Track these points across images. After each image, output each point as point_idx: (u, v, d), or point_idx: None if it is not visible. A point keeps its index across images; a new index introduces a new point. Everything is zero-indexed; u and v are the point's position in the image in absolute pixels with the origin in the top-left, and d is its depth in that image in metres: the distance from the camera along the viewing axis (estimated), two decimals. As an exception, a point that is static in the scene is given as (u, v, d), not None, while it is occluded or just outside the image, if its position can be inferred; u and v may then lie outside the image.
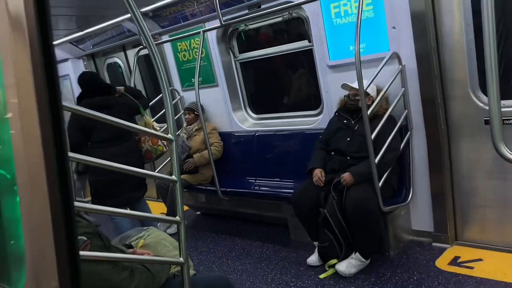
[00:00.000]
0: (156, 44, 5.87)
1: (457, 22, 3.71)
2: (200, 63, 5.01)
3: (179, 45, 5.96)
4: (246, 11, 5.05)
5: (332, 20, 4.37)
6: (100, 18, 5.99)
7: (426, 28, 3.77)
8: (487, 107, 3.70)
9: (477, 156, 3.89)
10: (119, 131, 4.00)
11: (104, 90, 4.27)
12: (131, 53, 6.87)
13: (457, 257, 3.84)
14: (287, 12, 4.82)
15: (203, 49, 5.56)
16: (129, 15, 5.55)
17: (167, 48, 6.14)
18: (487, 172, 3.88)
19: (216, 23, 4.85)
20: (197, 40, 5.65)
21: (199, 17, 5.43)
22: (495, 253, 3.78)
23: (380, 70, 3.77)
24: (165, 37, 6.07)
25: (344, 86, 4.14)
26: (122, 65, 7.24)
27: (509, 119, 3.53)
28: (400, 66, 3.98)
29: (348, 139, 4.02)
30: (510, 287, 3.18)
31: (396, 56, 3.97)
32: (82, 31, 6.56)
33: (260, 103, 5.87)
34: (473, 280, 3.38)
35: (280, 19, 5.03)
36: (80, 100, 4.19)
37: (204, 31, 4.85)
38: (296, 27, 5.12)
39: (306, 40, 4.90)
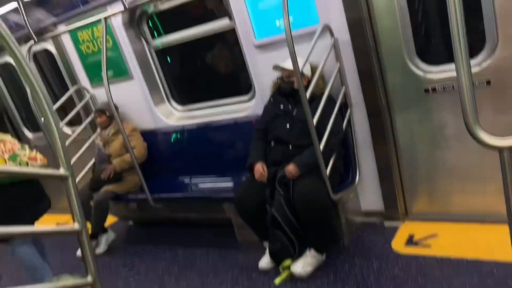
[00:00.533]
0: (55, 36, 5.00)
1: (387, -14, 3.40)
2: (106, 54, 4.26)
3: (80, 35, 5.13)
4: (154, -10, 4.38)
5: (253, -6, 3.87)
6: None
7: (356, -4, 3.42)
8: (426, 75, 3.49)
9: (420, 127, 3.70)
10: None
11: None
12: (24, 50, 5.85)
13: (411, 236, 3.67)
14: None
15: (109, 38, 4.83)
16: (14, 6, 4.64)
17: (66, 40, 5.26)
18: (430, 142, 3.71)
19: (119, 7, 4.14)
20: (100, 28, 4.86)
21: (99, 1, 4.64)
22: (447, 225, 3.67)
23: (314, 46, 3.37)
24: (62, 27, 5.18)
25: (275, 68, 3.71)
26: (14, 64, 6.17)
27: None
28: (333, 39, 3.62)
29: (288, 126, 3.63)
30: (473, 264, 3.04)
31: (327, 29, 3.59)
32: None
33: (184, 93, 5.27)
34: (434, 261, 3.21)
35: (193, -3, 4.43)
36: None
37: (105, 18, 4.10)
38: (215, 4, 4.54)
39: (227, 18, 4.36)
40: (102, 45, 4.22)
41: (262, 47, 4.05)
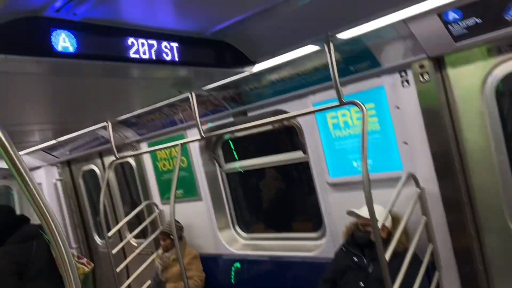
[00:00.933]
0: (134, 155, 5.21)
1: (483, 136, 3.01)
2: (178, 175, 4.23)
3: (158, 153, 5.29)
4: (231, 119, 4.44)
5: (330, 132, 3.71)
6: (75, 128, 5.39)
7: (446, 144, 3.07)
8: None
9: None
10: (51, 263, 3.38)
11: (25, 220, 3.71)
12: (108, 161, 6.20)
13: None
14: (278, 122, 4.20)
15: (184, 158, 4.90)
16: (103, 124, 5.00)
17: (146, 155, 5.47)
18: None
19: (197, 132, 4.21)
20: (177, 149, 4.97)
21: (180, 125, 4.82)
22: None
23: (397, 197, 2.99)
24: (144, 145, 5.43)
25: (350, 214, 3.34)
26: (98, 172, 6.53)
27: None
28: (419, 190, 3.21)
29: (362, 284, 3.12)
30: None
31: (412, 178, 3.22)
32: (56, 139, 5.94)
33: (251, 220, 5.04)
34: None
35: (269, 127, 4.40)
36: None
37: (182, 144, 4.16)
38: (290, 136, 4.46)
39: (301, 151, 4.21)
40: (176, 167, 4.23)
41: (336, 185, 3.76)
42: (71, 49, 2.15)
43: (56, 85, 2.78)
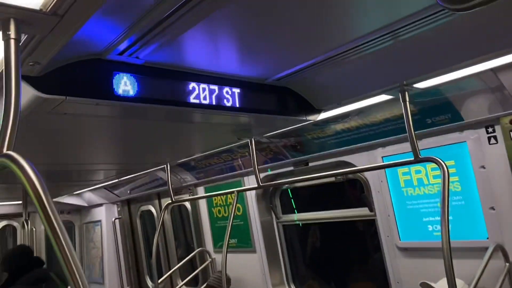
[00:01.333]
0: (190, 200, 5.13)
1: None
2: (232, 224, 4.02)
3: (214, 199, 5.16)
4: (291, 168, 4.22)
5: (402, 189, 3.35)
6: (136, 169, 5.47)
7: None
8: None
9: None
10: None
11: (39, 262, 3.76)
12: (165, 203, 6.18)
13: None
14: (342, 175, 3.90)
15: (239, 206, 4.72)
16: (162, 166, 5.01)
17: (202, 200, 5.36)
18: None
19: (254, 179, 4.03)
20: (233, 196, 4.81)
21: (238, 171, 4.68)
22: None
23: (483, 271, 2.54)
24: (201, 189, 5.34)
25: (424, 286, 2.89)
26: (155, 214, 6.52)
27: None
28: (507, 265, 2.72)
29: None
30: None
31: (499, 249, 2.74)
32: (118, 178, 6.07)
33: (307, 278, 4.64)
34: None
35: (332, 179, 4.11)
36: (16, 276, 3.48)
37: (238, 192, 3.99)
38: (354, 190, 4.13)
39: (367, 208, 3.85)
40: (230, 215, 4.04)
41: (407, 250, 3.33)
42: (131, 93, 2.10)
43: (118, 127, 2.77)
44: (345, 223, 4.17)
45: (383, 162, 3.45)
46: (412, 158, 2.59)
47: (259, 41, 2.18)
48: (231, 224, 3.89)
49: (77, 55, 1.93)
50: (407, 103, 2.63)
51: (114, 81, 2.05)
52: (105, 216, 6.85)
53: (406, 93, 2.64)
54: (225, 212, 5.04)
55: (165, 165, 4.59)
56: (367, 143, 3.46)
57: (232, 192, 4.06)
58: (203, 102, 2.38)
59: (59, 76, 1.89)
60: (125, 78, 2.10)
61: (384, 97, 2.82)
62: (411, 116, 2.62)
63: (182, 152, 4.08)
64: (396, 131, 3.20)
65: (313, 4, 1.82)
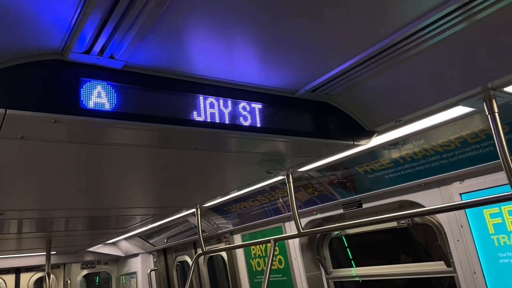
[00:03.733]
0: (223, 250, 4.45)
1: None
2: (268, 279, 3.25)
3: (253, 248, 4.44)
4: (341, 211, 3.45)
5: (491, 237, 2.47)
6: (169, 213, 4.94)
7: None
8: None
9: None
10: None
11: None
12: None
13: None
14: (406, 218, 3.07)
15: (281, 258, 3.96)
16: (193, 210, 4.43)
17: (239, 250, 4.66)
18: None
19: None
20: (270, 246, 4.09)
21: (277, 215, 3.96)
22: None
23: None
24: (237, 237, 4.66)
25: None
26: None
27: None
28: None
29: None
30: None
31: None
32: (152, 223, 5.56)
33: None
34: None
35: (393, 223, 3.27)
36: None
37: (275, 240, 3.26)
38: (425, 238, 3.26)
39: (443, 262, 2.95)
40: (266, 268, 3.30)
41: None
42: (107, 107, 1.55)
43: (120, 156, 2.20)
44: (414, 281, 3.27)
45: (461, 200, 2.62)
46: (509, 192, 1.80)
47: (286, 38, 1.58)
48: (268, 280, 3.15)
49: (24, 52, 1.42)
50: (496, 115, 1.87)
51: (81, 91, 1.52)
52: (141, 267, 6.33)
53: (494, 101, 1.88)
54: (264, 265, 4.28)
55: (195, 209, 4.01)
56: (438, 176, 2.65)
57: (268, 241, 3.34)
58: (211, 120, 1.78)
59: (-4, 82, 1.38)
60: (98, 88, 1.55)
61: (460, 110, 2.06)
62: (503, 135, 1.85)
63: (209, 191, 3.46)
64: (479, 158, 2.39)
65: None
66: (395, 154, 2.65)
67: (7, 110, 1.36)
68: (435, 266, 3.01)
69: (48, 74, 1.46)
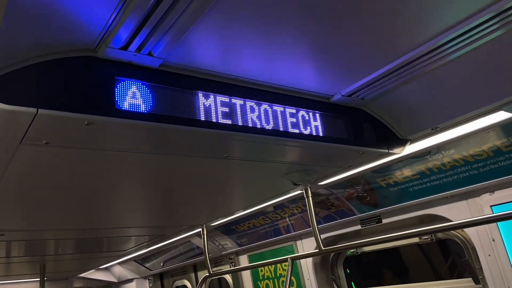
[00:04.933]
0: (232, 272, 4.24)
1: None
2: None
3: (261, 270, 4.25)
4: (358, 227, 3.32)
5: (527, 251, 2.37)
6: (169, 234, 4.71)
7: None
8: None
9: None
10: None
11: None
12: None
13: None
14: (430, 234, 2.95)
15: (293, 279, 3.78)
16: (197, 230, 4.23)
17: (246, 272, 4.45)
18: None
19: (311, 244, 3.16)
20: (284, 266, 3.92)
21: (288, 233, 3.80)
22: None
23: None
24: (244, 258, 4.46)
25: None
26: (191, 289, 5.63)
27: None
28: None
29: None
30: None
31: None
32: (149, 246, 5.30)
33: None
34: None
35: (415, 239, 3.15)
36: None
37: (292, 259, 3.09)
38: (450, 254, 3.14)
39: (471, 279, 2.83)
40: (284, 289, 3.12)
41: None
42: (143, 108, 1.41)
43: (132, 168, 2.03)
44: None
45: (492, 213, 2.52)
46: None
47: (326, 42, 1.50)
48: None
49: (55, 47, 1.28)
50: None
51: (116, 91, 1.38)
52: (135, 293, 6.01)
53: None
54: (274, 287, 4.09)
55: (201, 228, 3.82)
56: (466, 188, 2.56)
57: (285, 260, 3.18)
58: (249, 124, 1.66)
59: (27, 79, 1.24)
60: (133, 88, 1.42)
61: (501, 116, 1.98)
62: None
63: (219, 208, 3.29)
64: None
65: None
66: (422, 165, 2.56)
67: (39, 109, 1.21)
68: (462, 283, 2.88)
69: (81, 71, 1.33)
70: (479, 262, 2.62)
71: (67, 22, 1.21)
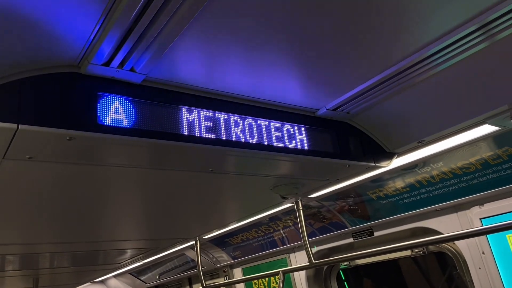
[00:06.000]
0: (225, 285, 4.22)
1: None
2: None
3: (255, 283, 4.22)
4: (350, 240, 3.31)
5: (517, 263, 2.36)
6: (164, 247, 4.68)
7: None
8: None
9: None
10: None
11: None
12: (197, 289, 5.27)
13: None
14: (421, 247, 2.94)
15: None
16: (191, 243, 4.22)
17: (241, 285, 4.43)
18: None
19: (304, 256, 3.15)
20: (278, 278, 3.89)
21: (282, 246, 3.79)
22: None
23: None
24: (237, 271, 4.44)
25: None
26: (186, 303, 5.58)
27: None
28: None
29: None
30: None
31: None
32: (145, 259, 5.27)
33: None
34: None
35: (407, 252, 3.14)
36: None
37: (284, 273, 3.08)
38: (443, 267, 3.12)
39: (462, 292, 2.81)
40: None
41: None
42: (125, 123, 1.43)
43: (122, 181, 2.04)
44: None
45: (482, 225, 2.52)
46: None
47: (305, 56, 1.52)
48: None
49: (38, 63, 1.31)
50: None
51: (98, 106, 1.40)
52: (130, 307, 5.96)
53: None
54: (268, 300, 4.07)
55: (194, 241, 3.81)
56: (455, 200, 2.56)
57: (277, 273, 3.17)
58: (233, 139, 1.67)
59: (8, 95, 1.25)
60: (116, 103, 1.44)
61: (485, 129, 2.00)
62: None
63: (211, 221, 3.29)
64: (501, 181, 2.31)
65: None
66: (411, 178, 2.56)
67: (20, 125, 1.22)
68: (454, 297, 2.87)
69: (64, 87, 1.34)
70: (470, 275, 2.61)
71: (49, 38, 1.23)
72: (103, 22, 1.20)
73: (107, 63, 1.37)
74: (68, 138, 1.32)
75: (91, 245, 3.57)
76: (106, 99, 1.41)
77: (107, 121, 1.39)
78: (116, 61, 1.36)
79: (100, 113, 1.39)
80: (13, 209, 2.11)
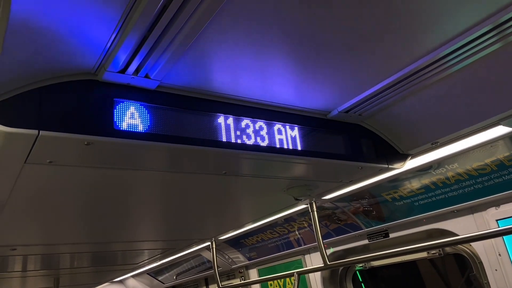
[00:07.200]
0: (240, 286, 4.25)
1: None
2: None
3: (270, 284, 4.24)
4: (365, 241, 3.30)
5: (536, 266, 2.32)
6: (181, 248, 4.74)
7: None
8: None
9: None
10: None
11: None
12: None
13: None
14: (437, 248, 2.92)
15: (302, 294, 3.76)
16: (207, 243, 4.26)
17: (254, 285, 4.45)
18: None
19: (320, 257, 3.15)
20: (293, 279, 3.90)
21: (297, 247, 3.81)
22: None
23: None
24: (253, 271, 4.46)
25: None
26: (202, 303, 5.64)
27: None
28: None
29: None
30: None
31: None
32: (162, 259, 5.35)
33: None
34: None
35: (423, 254, 3.12)
36: None
37: (299, 274, 3.10)
38: (461, 268, 3.09)
39: (481, 295, 2.78)
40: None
41: None
42: (140, 128, 1.48)
43: (137, 186, 2.10)
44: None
45: (498, 227, 2.49)
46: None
47: (322, 59, 1.54)
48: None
49: (57, 72, 1.36)
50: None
51: (115, 112, 1.45)
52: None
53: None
54: (283, 301, 4.08)
55: (210, 242, 3.86)
56: (471, 202, 2.54)
57: (291, 274, 3.18)
58: (246, 142, 1.70)
59: (29, 103, 1.31)
60: (132, 109, 1.48)
61: (500, 131, 1.98)
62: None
63: (226, 222, 3.32)
64: (517, 181, 2.28)
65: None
66: (426, 179, 2.55)
67: (40, 131, 1.28)
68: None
69: (81, 94, 1.40)
70: (487, 277, 2.58)
71: (68, 48, 1.28)
72: (119, 31, 1.25)
73: (123, 70, 1.42)
74: (86, 143, 1.37)
75: (110, 245, 3.65)
76: (122, 105, 1.46)
77: (123, 126, 1.44)
78: (132, 68, 1.41)
79: (116, 119, 1.44)
80: (35, 211, 2.19)
